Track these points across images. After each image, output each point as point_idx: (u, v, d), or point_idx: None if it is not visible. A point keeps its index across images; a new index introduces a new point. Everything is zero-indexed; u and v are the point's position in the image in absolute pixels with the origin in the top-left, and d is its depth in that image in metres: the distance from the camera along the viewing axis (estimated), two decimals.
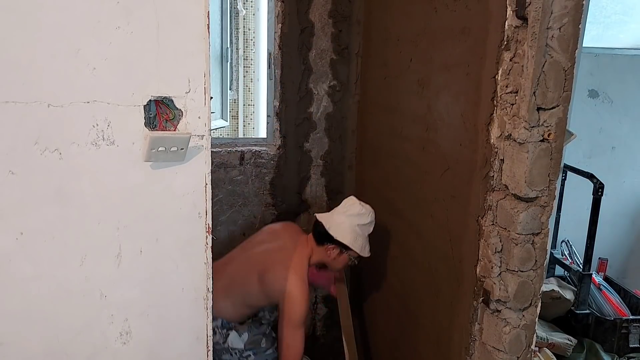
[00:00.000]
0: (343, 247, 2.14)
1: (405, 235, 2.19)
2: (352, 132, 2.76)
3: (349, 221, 2.12)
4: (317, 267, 2.30)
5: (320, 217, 2.19)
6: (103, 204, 1.36)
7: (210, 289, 1.50)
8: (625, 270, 3.40)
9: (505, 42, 1.45)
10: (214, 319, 1.93)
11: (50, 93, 1.26)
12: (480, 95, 1.59)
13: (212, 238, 1.49)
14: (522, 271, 1.48)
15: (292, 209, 2.77)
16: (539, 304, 1.54)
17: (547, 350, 2.31)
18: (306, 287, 2.08)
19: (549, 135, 1.38)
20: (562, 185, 2.82)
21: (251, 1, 5.03)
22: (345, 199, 2.21)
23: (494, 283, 1.53)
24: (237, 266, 2.22)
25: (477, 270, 1.62)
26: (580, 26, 1.34)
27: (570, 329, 2.54)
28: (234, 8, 4.76)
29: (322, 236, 2.15)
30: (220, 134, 4.78)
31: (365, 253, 2.15)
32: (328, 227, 2.13)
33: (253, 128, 5.28)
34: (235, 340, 2.21)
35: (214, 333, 2.14)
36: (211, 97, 1.44)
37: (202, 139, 1.41)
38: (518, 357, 1.54)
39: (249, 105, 5.29)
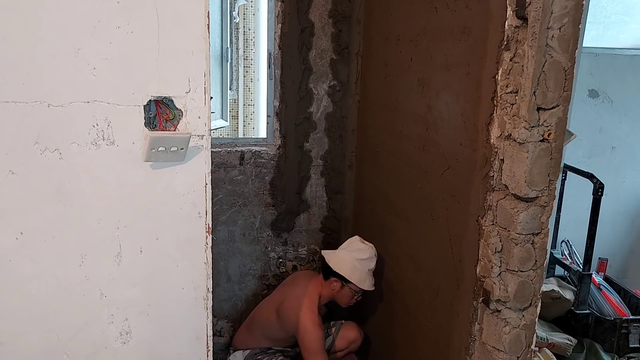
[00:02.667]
0: (343, 280, 2.30)
1: (405, 235, 2.19)
2: (352, 132, 2.76)
3: (349, 255, 2.30)
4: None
5: (325, 253, 2.39)
6: (103, 203, 1.36)
7: (210, 289, 1.51)
8: (625, 270, 3.40)
9: (506, 42, 1.45)
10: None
11: (51, 93, 1.27)
12: (480, 95, 1.59)
13: (212, 238, 1.49)
14: (522, 271, 1.48)
15: (292, 209, 2.77)
16: (539, 304, 1.54)
17: (547, 350, 2.31)
18: (316, 316, 2.29)
19: (549, 135, 1.38)
20: (562, 185, 2.82)
21: (251, 1, 5.03)
22: (350, 238, 2.40)
23: (494, 283, 1.53)
24: (260, 308, 2.52)
25: (477, 270, 1.62)
26: (580, 26, 1.34)
27: (570, 329, 2.54)
28: (233, 7, 4.76)
29: (326, 270, 2.34)
30: (220, 134, 4.78)
31: (365, 286, 2.30)
32: (328, 260, 2.32)
33: (253, 128, 5.28)
34: (238, 356, 2.48)
35: None
36: (211, 97, 1.44)
37: (202, 138, 1.41)
38: (518, 357, 1.54)
39: (249, 105, 5.29)
